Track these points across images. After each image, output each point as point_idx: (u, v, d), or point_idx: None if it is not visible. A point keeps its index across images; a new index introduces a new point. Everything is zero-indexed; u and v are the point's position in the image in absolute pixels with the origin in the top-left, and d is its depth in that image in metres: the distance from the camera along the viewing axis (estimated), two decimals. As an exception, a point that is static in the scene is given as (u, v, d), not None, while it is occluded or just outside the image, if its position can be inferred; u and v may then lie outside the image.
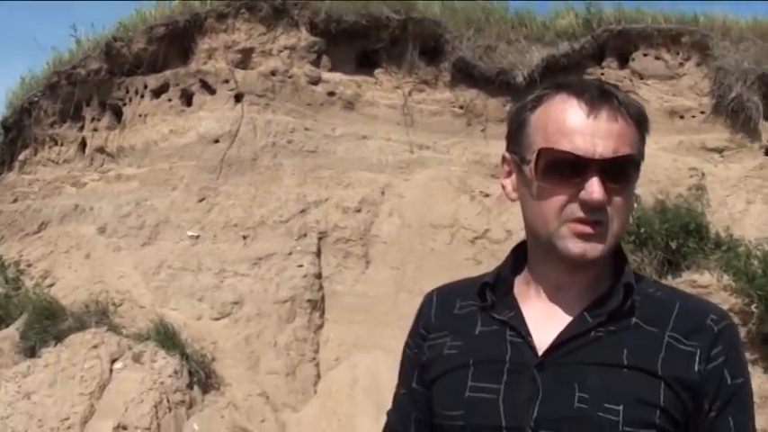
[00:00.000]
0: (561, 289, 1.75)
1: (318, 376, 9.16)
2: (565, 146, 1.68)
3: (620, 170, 1.69)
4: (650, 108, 10.23)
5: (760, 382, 8.13)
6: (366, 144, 10.74)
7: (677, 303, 1.74)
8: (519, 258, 1.86)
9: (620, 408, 1.58)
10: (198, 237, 10.00)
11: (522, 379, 1.65)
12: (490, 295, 1.79)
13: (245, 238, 9.95)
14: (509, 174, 1.83)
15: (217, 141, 10.53)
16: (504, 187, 1.84)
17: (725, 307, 8.55)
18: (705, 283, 8.91)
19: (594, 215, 1.67)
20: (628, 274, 1.75)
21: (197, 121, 10.75)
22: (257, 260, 9.78)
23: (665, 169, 10.38)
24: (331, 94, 10.87)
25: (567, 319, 1.71)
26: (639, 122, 1.76)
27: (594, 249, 1.68)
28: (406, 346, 1.93)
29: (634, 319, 1.70)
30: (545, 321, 1.71)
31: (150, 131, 11.05)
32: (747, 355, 8.23)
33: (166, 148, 10.77)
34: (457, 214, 10.09)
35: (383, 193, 10.41)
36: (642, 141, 1.77)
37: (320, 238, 10.01)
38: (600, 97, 1.71)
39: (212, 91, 10.85)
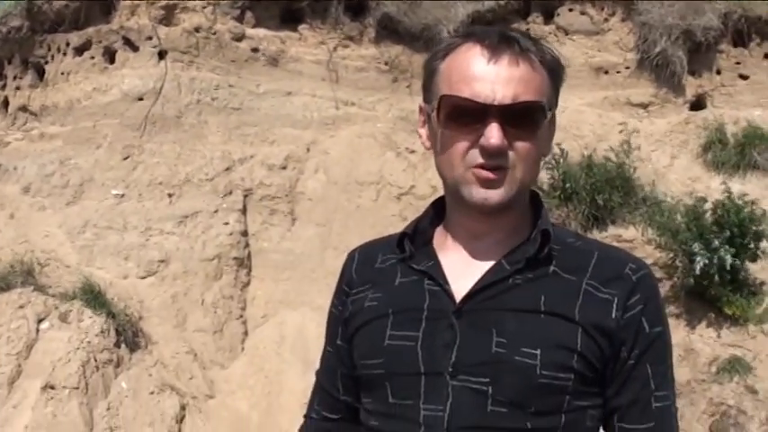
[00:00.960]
0: (478, 237, 1.79)
1: (246, 333, 9.21)
2: (464, 92, 1.70)
3: (523, 116, 1.70)
4: (576, 64, 10.37)
5: (683, 335, 8.34)
6: (291, 101, 10.72)
7: (596, 253, 1.77)
8: (438, 210, 1.90)
9: (538, 352, 1.62)
10: (123, 195, 9.94)
11: (441, 326, 1.69)
12: (409, 246, 1.83)
13: (170, 196, 9.92)
14: (424, 123, 1.87)
15: (141, 99, 10.44)
16: (420, 136, 1.88)
17: (649, 261, 8.77)
18: (630, 237, 9.08)
19: (495, 160, 1.69)
20: (545, 222, 1.79)
21: (120, 79, 10.64)
22: (183, 218, 9.76)
23: (590, 125, 10.50)
24: (255, 50, 10.82)
25: (485, 266, 1.74)
26: (552, 70, 1.78)
27: (496, 195, 1.70)
28: (331, 305, 1.97)
29: (552, 267, 1.74)
30: (463, 270, 1.75)
31: (73, 89, 10.91)
32: (672, 309, 8.49)
33: (90, 106, 10.65)
34: (383, 171, 10.14)
35: (308, 150, 10.42)
36: (554, 89, 1.79)
37: (246, 196, 10.02)
38: (501, 43, 1.72)
39: (135, 48, 10.73)
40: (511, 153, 1.71)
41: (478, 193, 1.71)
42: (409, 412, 1.67)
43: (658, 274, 8.77)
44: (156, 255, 9.63)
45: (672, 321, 8.62)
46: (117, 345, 8.51)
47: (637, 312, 1.70)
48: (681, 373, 7.86)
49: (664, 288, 8.74)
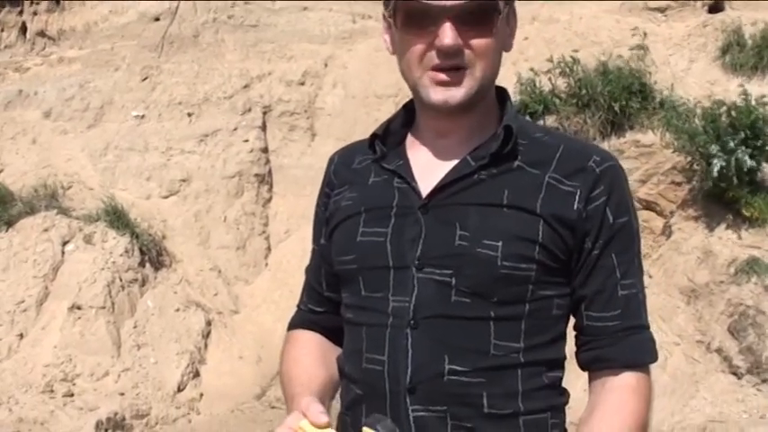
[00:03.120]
0: (444, 136, 1.82)
1: (269, 249, 9.34)
2: None
3: (476, 14, 1.70)
4: (592, -31, 10.23)
5: (702, 238, 8.36)
6: (307, 16, 10.69)
7: (561, 146, 1.79)
8: (411, 112, 1.92)
9: (499, 244, 1.66)
10: (143, 116, 10.01)
11: (408, 221, 1.74)
12: (380, 147, 1.87)
13: (189, 115, 9.98)
14: (387, 29, 1.88)
15: (157, 20, 10.46)
16: (385, 42, 1.90)
17: (668, 165, 8.76)
18: (648, 142, 9.05)
19: (450, 60, 1.70)
20: (509, 118, 1.80)
21: (136, 0, 10.64)
22: (203, 137, 9.84)
23: (608, 30, 10.40)
24: (269, -34, 10.77)
25: (451, 164, 1.78)
26: None
27: (455, 95, 1.72)
28: (316, 206, 2.03)
29: (517, 162, 1.76)
30: (431, 167, 1.79)
31: (90, 12, 10.94)
32: (691, 212, 8.49)
33: (107, 28, 10.69)
34: (401, 83, 9.98)
35: (326, 65, 10.42)
36: None
37: (265, 113, 10.06)
38: None
39: (150, -32, 10.72)
40: (467, 52, 1.71)
41: (436, 94, 1.73)
42: (379, 304, 1.73)
43: (678, 178, 8.77)
44: (177, 174, 9.74)
45: (690, 224, 8.65)
46: (141, 264, 8.67)
47: (600, 204, 1.72)
48: (700, 275, 7.91)
49: (683, 192, 8.75)
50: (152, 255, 8.82)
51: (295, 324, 2.04)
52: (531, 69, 9.31)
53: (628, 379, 1.74)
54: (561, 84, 9.35)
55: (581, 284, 1.75)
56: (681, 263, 8.22)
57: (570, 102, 9.30)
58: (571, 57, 9.10)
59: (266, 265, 9.19)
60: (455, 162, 1.78)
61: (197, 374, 7.80)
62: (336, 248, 1.86)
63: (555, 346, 1.76)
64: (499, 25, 1.76)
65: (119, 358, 7.78)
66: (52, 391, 7.27)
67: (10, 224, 8.90)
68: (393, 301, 1.72)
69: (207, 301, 8.66)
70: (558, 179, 1.73)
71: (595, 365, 1.77)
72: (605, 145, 9.26)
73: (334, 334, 1.92)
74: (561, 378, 1.79)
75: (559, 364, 1.78)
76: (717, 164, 7.73)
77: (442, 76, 1.73)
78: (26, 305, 8.11)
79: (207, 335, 8.29)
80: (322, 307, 1.98)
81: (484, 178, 1.75)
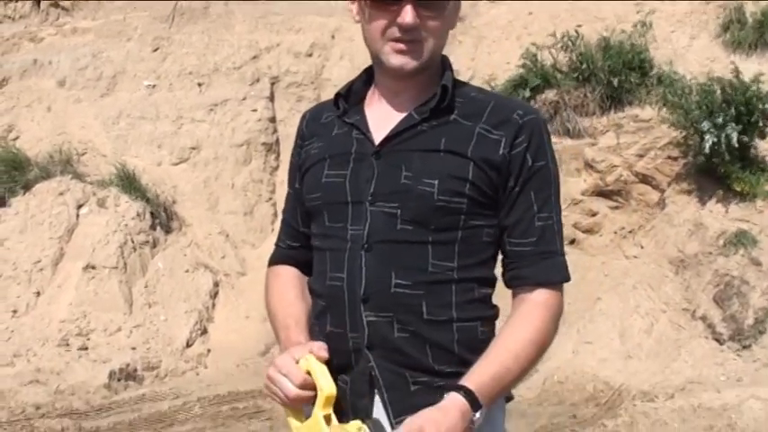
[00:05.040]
0: (397, 94, 2.15)
1: (275, 215, 9.63)
2: None
3: (432, 1, 2.04)
4: (595, -55, 10.42)
5: (694, 211, 8.64)
6: (315, -12, 10.94)
7: (492, 102, 2.14)
8: (371, 74, 2.25)
9: (436, 182, 2.02)
10: (154, 86, 10.32)
11: (364, 165, 2.10)
12: (342, 104, 2.21)
13: (200, 85, 10.28)
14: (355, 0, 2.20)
15: (168, -9, 10.73)
16: (351, 11, 2.23)
17: (664, 141, 9.01)
18: (647, 117, 9.31)
19: (409, 35, 2.04)
20: (446, 80, 2.13)
21: (148, -29, 10.91)
22: (213, 106, 10.15)
23: (611, 6, 10.60)
24: (278, -63, 11.00)
25: (400, 117, 2.13)
26: None
27: (410, 63, 2.06)
28: (291, 156, 2.38)
29: (453, 116, 2.11)
30: (384, 121, 2.14)
31: (103, -17, 11.22)
32: (684, 186, 8.79)
33: (119, -1, 10.97)
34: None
35: (333, 37, 10.69)
36: None
37: (273, 83, 10.35)
38: None
39: (160, -61, 10.97)
40: (422, 29, 2.06)
41: (396, 60, 2.06)
42: (340, 232, 2.09)
43: (674, 152, 9.03)
44: (187, 142, 10.08)
45: (684, 198, 8.92)
46: (152, 227, 9.02)
47: (522, 149, 2.06)
48: (690, 246, 8.19)
49: (677, 166, 9.02)
50: (162, 218, 9.17)
51: (275, 260, 2.38)
52: (533, 44, 9.55)
53: (539, 295, 2.06)
54: (563, 58, 9.59)
55: (505, 216, 2.08)
56: (672, 234, 8.50)
57: (571, 76, 9.54)
58: (575, 31, 9.34)
59: (272, 230, 9.48)
60: (403, 116, 2.13)
61: (205, 331, 8.15)
62: (306, 188, 2.21)
63: (485, 267, 2.10)
64: (449, 8, 2.12)
65: (131, 315, 8.14)
66: (68, 344, 7.63)
67: (27, 188, 9.25)
68: (351, 229, 2.07)
69: (215, 263, 8.99)
70: (487, 129, 2.08)
71: (514, 283, 2.10)
72: (604, 119, 9.55)
73: (307, 267, 2.25)
74: (490, 294, 2.12)
75: (489, 282, 2.12)
76: (708, 139, 7.98)
77: (401, 47, 2.07)
78: (43, 265, 8.46)
79: (215, 295, 8.64)
80: (298, 242, 2.32)
81: (425, 129, 2.10)
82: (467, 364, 1.99)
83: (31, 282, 8.31)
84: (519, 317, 2.06)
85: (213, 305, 8.53)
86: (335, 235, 2.10)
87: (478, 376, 1.94)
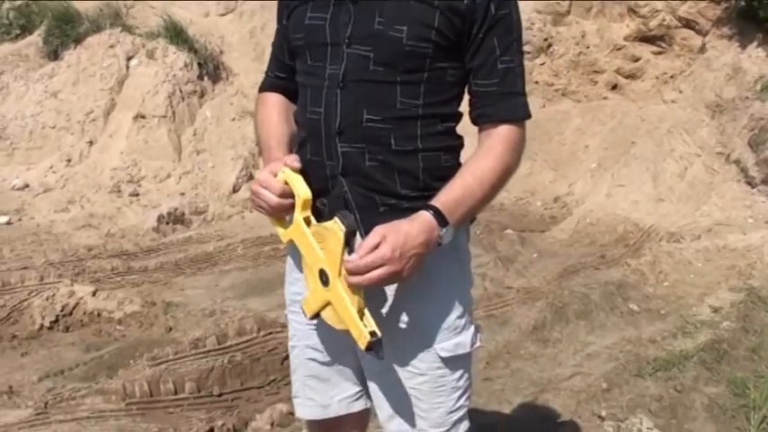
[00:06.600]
0: None
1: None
2: None
3: None
4: None
5: (733, 55, 8.64)
6: None
7: None
8: None
9: (405, 28, 2.18)
10: (200, -62, 10.40)
11: (342, 10, 2.25)
12: None
13: (244, -63, 10.34)
14: None
15: None
16: None
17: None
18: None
19: None
20: None
21: None
22: (258, -43, 10.23)
23: None
24: None
25: None
26: None
27: None
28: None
29: None
30: None
31: None
32: (725, 31, 8.80)
33: None
34: None
35: None
36: None
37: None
38: None
39: None
40: None
41: None
42: (319, 71, 2.27)
43: (714, -1, 9.01)
44: (233, -7, 10.26)
45: (724, 42, 8.91)
46: (200, 77, 9.26)
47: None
48: (727, 91, 8.24)
49: (718, 10, 8.98)
50: (209, 69, 9.40)
51: (265, 87, 2.59)
52: None
53: (502, 130, 2.26)
54: None
55: (470, 60, 2.26)
56: (711, 79, 8.54)
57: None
58: None
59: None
60: None
61: (251, 177, 8.43)
62: (291, 28, 2.37)
63: (448, 104, 2.29)
64: None
65: (179, 162, 8.48)
66: (119, 191, 8.01)
67: (78, 41, 9.51)
68: (329, 68, 2.25)
69: (260, 110, 9.22)
70: None
71: (480, 120, 2.29)
72: (646, -40, 9.50)
73: (294, 95, 2.44)
74: (454, 127, 2.32)
75: (452, 117, 2.31)
76: (746, -18, 7.95)
77: None
78: (95, 115, 8.80)
79: (260, 142, 8.89)
80: (284, 73, 2.52)
81: None
82: (430, 189, 2.21)
83: (84, 132, 8.66)
84: (483, 149, 2.26)
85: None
86: (315, 73, 2.28)
87: (445, 197, 2.16)
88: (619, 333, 5.35)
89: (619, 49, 9.50)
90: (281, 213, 2.29)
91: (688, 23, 9.24)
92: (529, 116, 2.30)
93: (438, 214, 2.13)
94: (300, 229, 2.22)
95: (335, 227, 2.10)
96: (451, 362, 2.34)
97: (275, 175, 2.24)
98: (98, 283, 5.95)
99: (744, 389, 4.36)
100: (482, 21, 2.22)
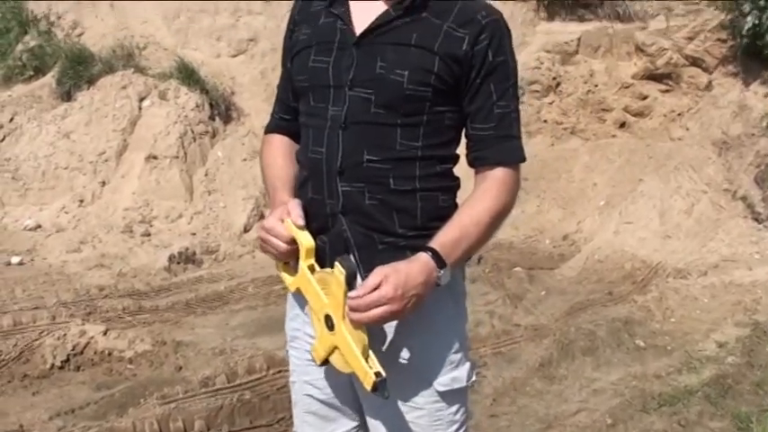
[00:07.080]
0: None
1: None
2: None
3: None
4: None
5: (738, 92, 8.74)
6: None
7: (459, 4, 2.35)
8: None
9: (406, 72, 2.27)
10: (212, -20, 10.56)
11: (345, 54, 2.33)
12: None
13: (256, -22, 10.50)
14: None
15: None
16: None
17: (714, 23, 9.06)
18: (697, -1, 9.40)
19: None
20: None
21: None
22: (269, -1, 10.40)
23: None
24: None
25: (379, 12, 2.34)
26: None
27: None
28: (284, 38, 2.61)
29: (425, 14, 2.33)
30: (365, 14, 2.35)
31: None
32: (730, 68, 8.92)
33: None
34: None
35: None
36: None
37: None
38: None
39: None
40: None
41: None
42: (322, 112, 2.35)
43: (723, 34, 9.08)
44: (245, 34, 10.37)
45: (729, 80, 8.99)
46: (212, 118, 9.37)
47: (483, 46, 2.30)
48: (733, 128, 8.31)
49: (724, 48, 9.07)
50: (221, 109, 9.52)
51: (270, 129, 2.67)
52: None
53: (497, 173, 2.33)
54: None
55: (468, 104, 2.34)
56: (717, 116, 8.62)
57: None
58: None
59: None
60: (382, 11, 2.36)
61: (262, 217, 8.46)
62: (295, 70, 2.46)
63: (446, 147, 2.37)
64: None
65: (191, 203, 8.55)
66: (131, 231, 8.08)
67: (91, 82, 9.60)
68: (331, 110, 2.33)
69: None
70: (454, 27, 2.31)
71: (476, 162, 2.36)
72: (654, 3, 9.61)
73: (297, 136, 2.52)
74: (451, 169, 2.39)
75: (450, 159, 2.39)
76: (750, 21, 8.04)
77: None
78: (107, 156, 8.89)
79: (271, 184, 8.97)
80: (289, 114, 2.59)
81: (399, 25, 2.33)
82: (428, 228, 2.28)
83: (96, 172, 8.75)
84: (480, 191, 2.33)
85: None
86: (318, 114, 2.36)
87: (443, 238, 2.23)
88: (624, 369, 5.39)
89: (627, 87, 9.59)
90: (290, 258, 2.36)
91: (695, 62, 9.34)
92: (524, 159, 2.38)
93: (436, 256, 2.20)
94: (305, 277, 2.30)
95: (337, 270, 2.18)
96: (449, 396, 2.39)
97: (282, 221, 2.31)
98: (109, 322, 6.01)
99: (747, 423, 4.40)
100: (480, 67, 2.31)
